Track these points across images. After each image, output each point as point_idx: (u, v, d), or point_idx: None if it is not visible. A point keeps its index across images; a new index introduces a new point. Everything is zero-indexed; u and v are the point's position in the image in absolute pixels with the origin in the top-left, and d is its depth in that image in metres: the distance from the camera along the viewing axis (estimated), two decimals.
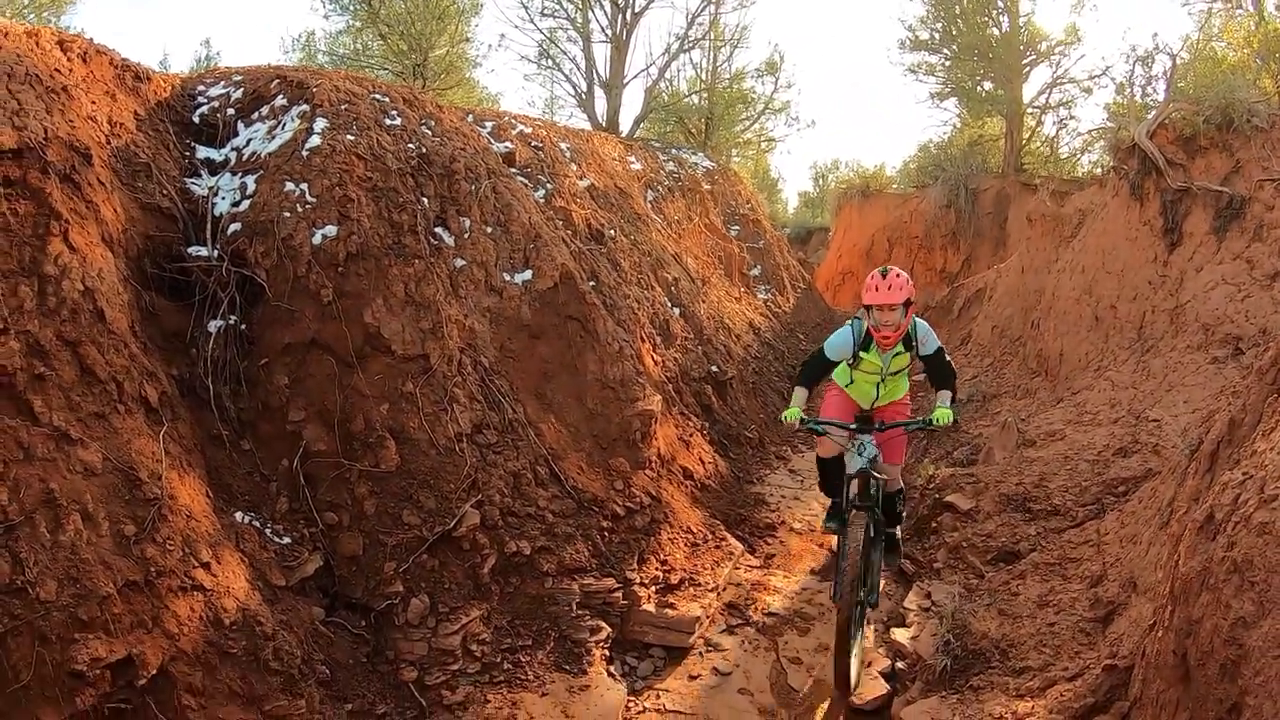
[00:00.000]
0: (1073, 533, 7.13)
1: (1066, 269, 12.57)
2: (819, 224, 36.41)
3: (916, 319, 6.41)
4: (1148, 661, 4.22)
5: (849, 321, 6.57)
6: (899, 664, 6.39)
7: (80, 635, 4.21)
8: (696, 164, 19.80)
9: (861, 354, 6.47)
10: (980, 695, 5.42)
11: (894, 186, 29.52)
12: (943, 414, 6.13)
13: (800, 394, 6.51)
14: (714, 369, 12.22)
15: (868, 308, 6.24)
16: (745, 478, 10.58)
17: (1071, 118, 31.73)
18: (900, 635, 6.63)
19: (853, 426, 6.39)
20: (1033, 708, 5.01)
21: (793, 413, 6.31)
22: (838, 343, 6.49)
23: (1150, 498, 6.52)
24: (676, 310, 12.56)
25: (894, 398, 6.78)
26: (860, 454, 6.28)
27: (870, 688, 6.18)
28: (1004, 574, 6.98)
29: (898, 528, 7.28)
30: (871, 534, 6.29)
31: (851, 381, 6.76)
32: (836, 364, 6.64)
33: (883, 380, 6.60)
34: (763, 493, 10.37)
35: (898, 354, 6.47)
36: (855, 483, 6.27)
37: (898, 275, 6.15)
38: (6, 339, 4.52)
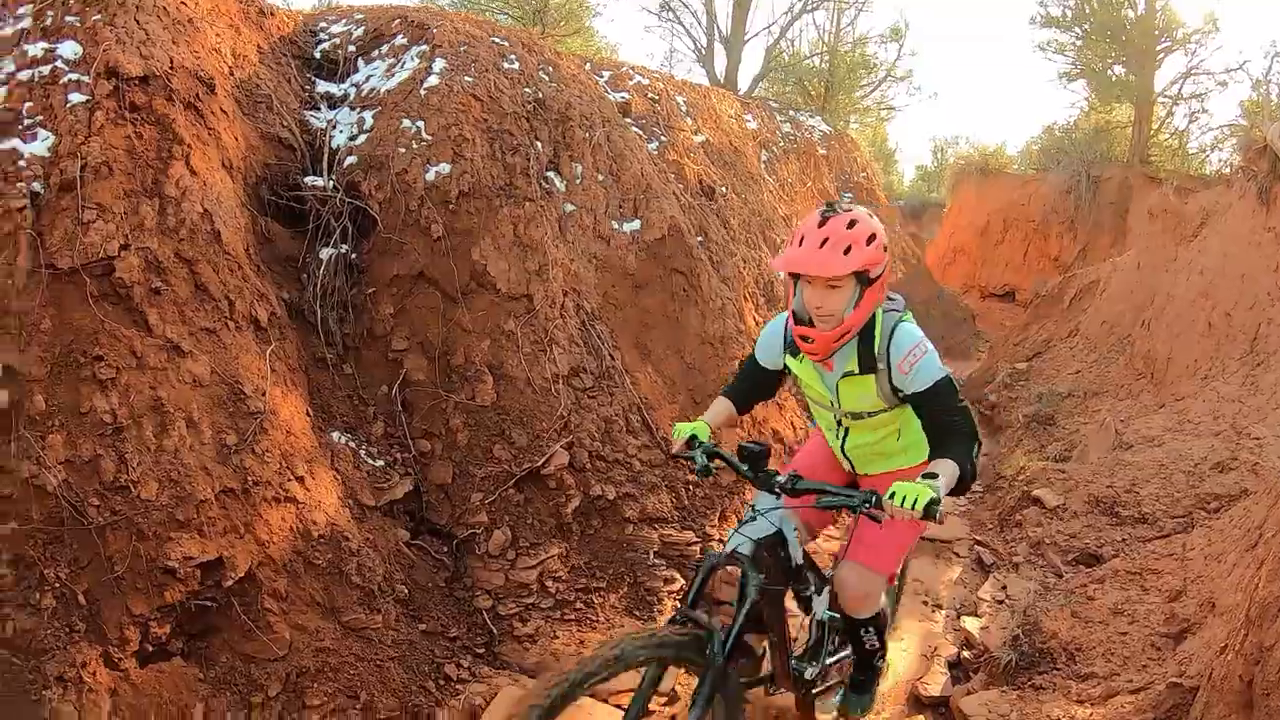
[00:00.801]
0: (1158, 543, 6.88)
1: (1184, 269, 12.04)
2: (934, 199, 35.58)
3: (899, 320, 3.53)
4: (1213, 684, 4.06)
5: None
6: (965, 653, 6.29)
7: (175, 534, 4.46)
8: (813, 127, 19.48)
9: (790, 363, 3.78)
10: (1040, 695, 5.30)
11: (1013, 167, 28.64)
12: (915, 492, 2.95)
13: (719, 407, 3.92)
14: None
15: (795, 278, 3.45)
16: None
17: (1204, 111, 30.06)
18: (970, 624, 6.51)
19: (744, 469, 3.47)
20: (1091, 715, 4.87)
21: (684, 428, 3.67)
22: (765, 337, 3.89)
23: (1242, 517, 6.25)
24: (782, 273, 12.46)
25: (883, 467, 3.90)
26: (746, 522, 3.57)
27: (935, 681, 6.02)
28: (1083, 576, 6.77)
29: (868, 693, 4.24)
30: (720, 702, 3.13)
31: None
32: (774, 374, 3.90)
33: (839, 420, 3.79)
34: None
35: (849, 375, 3.56)
36: (704, 576, 3.32)
37: (851, 223, 3.25)
38: (127, 254, 4.76)
